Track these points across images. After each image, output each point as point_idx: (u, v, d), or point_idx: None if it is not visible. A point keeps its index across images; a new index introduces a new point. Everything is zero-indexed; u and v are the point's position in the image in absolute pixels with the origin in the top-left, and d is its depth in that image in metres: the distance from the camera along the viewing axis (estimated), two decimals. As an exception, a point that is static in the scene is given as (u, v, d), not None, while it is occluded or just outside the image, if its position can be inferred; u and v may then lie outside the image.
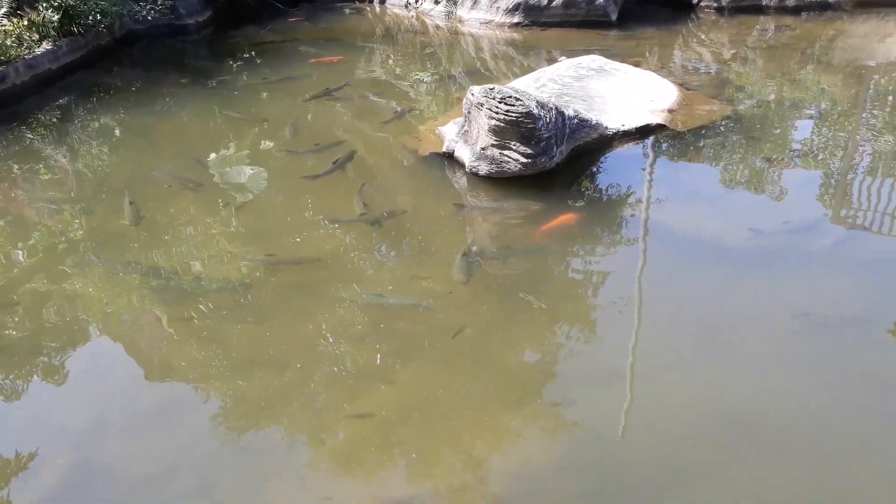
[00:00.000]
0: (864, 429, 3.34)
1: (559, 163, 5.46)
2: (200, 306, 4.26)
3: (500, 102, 5.05)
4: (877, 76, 7.88)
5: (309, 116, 7.05)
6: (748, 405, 3.46)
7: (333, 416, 3.54)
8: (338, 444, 3.40)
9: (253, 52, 9.03)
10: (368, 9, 11.26)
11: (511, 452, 3.31)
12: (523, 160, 5.20)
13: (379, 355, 3.84)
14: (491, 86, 5.18)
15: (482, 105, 5.16)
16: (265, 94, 7.61)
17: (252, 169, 5.87)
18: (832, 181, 5.64)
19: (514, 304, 4.20)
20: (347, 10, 11.20)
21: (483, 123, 5.22)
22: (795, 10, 9.97)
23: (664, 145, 6.04)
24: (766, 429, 3.34)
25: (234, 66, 8.60)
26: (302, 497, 3.16)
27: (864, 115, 6.85)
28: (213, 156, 6.15)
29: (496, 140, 5.21)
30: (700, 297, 4.27)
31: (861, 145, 6.20)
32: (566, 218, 4.97)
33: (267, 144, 6.37)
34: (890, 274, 4.53)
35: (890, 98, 7.33)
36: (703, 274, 4.50)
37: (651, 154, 5.96)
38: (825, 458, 3.18)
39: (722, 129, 6.31)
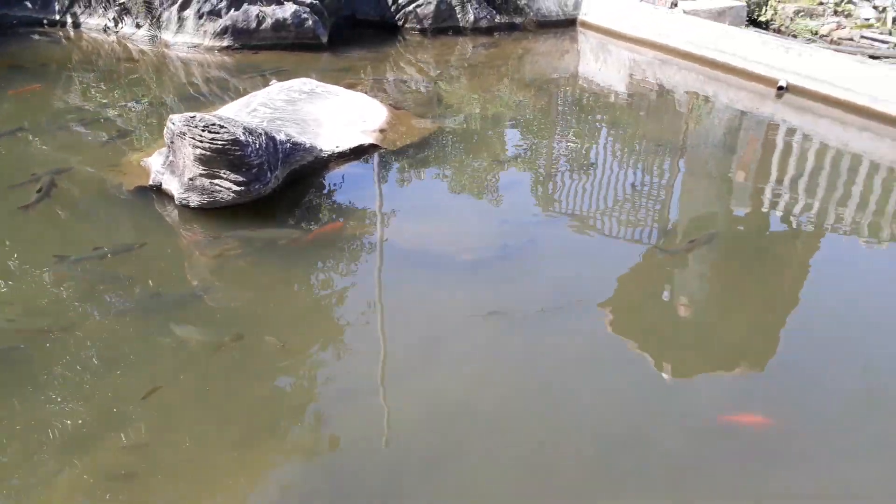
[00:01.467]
0: (560, 408, 3.75)
1: (276, 188, 5.44)
2: None
3: (203, 130, 4.90)
4: (561, 87, 8.94)
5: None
6: (472, 399, 3.72)
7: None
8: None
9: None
10: (62, 34, 10.29)
11: (274, 482, 3.22)
12: (236, 188, 5.10)
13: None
14: (192, 114, 5.01)
15: (184, 134, 4.96)
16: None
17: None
18: (539, 184, 6.27)
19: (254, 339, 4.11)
20: (36, 37, 10.14)
21: (188, 153, 5.03)
22: (489, 31, 10.96)
23: (381, 163, 6.29)
24: (494, 416, 3.61)
25: None
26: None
27: (557, 121, 7.72)
28: None
29: (204, 169, 5.05)
30: (425, 305, 4.48)
31: (557, 148, 6.99)
32: (334, 226, 5.11)
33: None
34: (587, 262, 5.09)
35: (576, 106, 8.36)
36: (428, 281, 4.71)
37: (372, 172, 6.17)
38: (539, 432, 3.52)
39: (433, 144, 6.72)
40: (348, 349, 4.12)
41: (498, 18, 11.11)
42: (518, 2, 11.17)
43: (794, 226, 5.55)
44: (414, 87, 8.58)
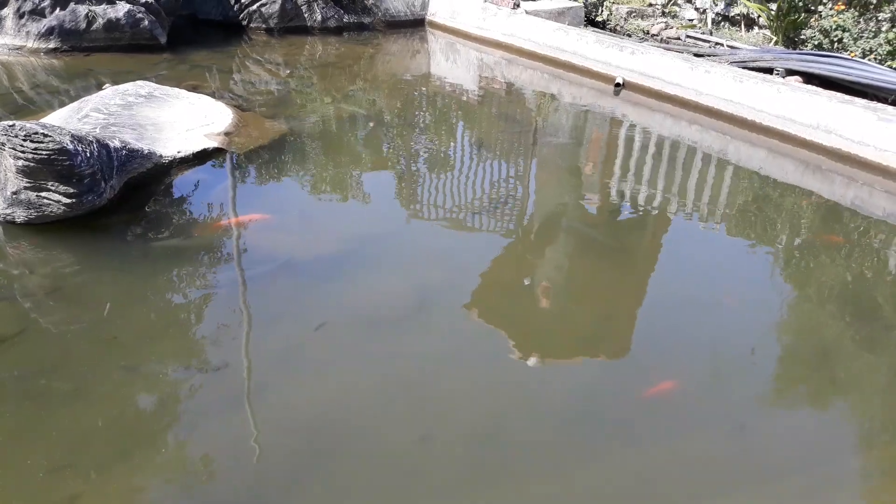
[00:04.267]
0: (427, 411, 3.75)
1: (112, 198, 5.08)
2: None
3: (24, 140, 4.49)
4: (414, 87, 8.98)
5: None
6: (338, 405, 3.63)
7: None
8: None
9: None
10: None
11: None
12: (66, 200, 4.71)
13: None
14: (11, 122, 4.58)
15: (3, 145, 4.53)
16: None
17: None
18: (401, 183, 6.24)
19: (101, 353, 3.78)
20: None
21: (9, 165, 4.60)
22: (338, 31, 10.84)
23: (230, 167, 6.04)
24: (360, 420, 3.54)
25: None
26: None
27: (413, 120, 7.74)
28: None
29: (29, 182, 4.63)
30: (288, 313, 4.34)
31: (415, 147, 7.00)
32: (253, 217, 5.14)
33: None
34: (449, 258, 5.12)
35: (430, 105, 8.42)
36: (292, 286, 4.56)
37: (217, 177, 5.91)
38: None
39: (286, 146, 6.54)
40: (207, 363, 3.91)
41: (346, 18, 11.02)
42: (366, 1, 11.13)
43: (641, 213, 5.88)
44: (263, 88, 8.33)
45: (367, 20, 11.14)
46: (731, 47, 9.45)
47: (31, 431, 3.36)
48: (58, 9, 9.03)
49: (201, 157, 5.96)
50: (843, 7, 8.65)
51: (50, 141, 4.55)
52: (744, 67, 8.32)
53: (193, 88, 7.54)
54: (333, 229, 5.42)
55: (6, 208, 4.71)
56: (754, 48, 9.23)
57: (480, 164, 6.68)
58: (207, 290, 4.51)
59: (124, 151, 5.27)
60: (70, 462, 3.22)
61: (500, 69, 9.85)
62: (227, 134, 6.32)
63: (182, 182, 5.72)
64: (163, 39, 9.40)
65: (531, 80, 9.52)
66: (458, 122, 7.99)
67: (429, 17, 11.59)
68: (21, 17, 8.98)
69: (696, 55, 8.94)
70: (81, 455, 3.26)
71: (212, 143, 6.08)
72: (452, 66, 10.14)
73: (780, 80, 7.83)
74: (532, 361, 4.09)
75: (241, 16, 10.58)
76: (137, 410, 3.59)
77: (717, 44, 9.70)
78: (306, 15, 10.74)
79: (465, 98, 8.72)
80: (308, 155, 6.49)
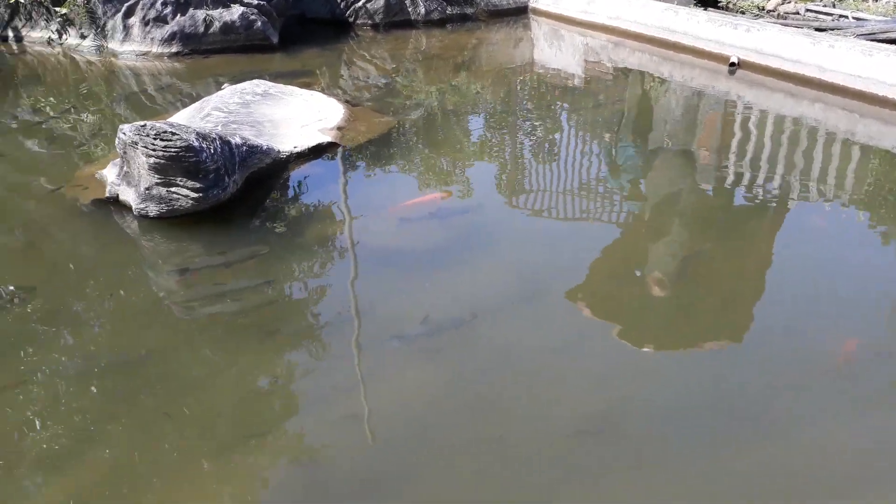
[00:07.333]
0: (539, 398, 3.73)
1: (235, 192, 5.34)
2: None
3: (154, 139, 4.78)
4: (519, 75, 8.94)
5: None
6: (451, 388, 3.68)
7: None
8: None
9: None
10: (3, 48, 10.00)
11: (259, 490, 3.16)
12: (194, 195, 4.99)
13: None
14: (143, 122, 4.89)
15: (136, 143, 4.84)
16: None
17: None
18: (506, 171, 6.25)
19: (235, 340, 4.02)
20: (-26, 52, 9.85)
21: (142, 162, 4.91)
22: (441, 23, 10.93)
23: (343, 161, 6.22)
24: (476, 406, 3.57)
25: None
26: None
27: (517, 109, 7.72)
28: None
29: (160, 178, 4.93)
30: (400, 302, 4.43)
31: (520, 136, 6.98)
32: (433, 196, 5.38)
33: None
34: (556, 248, 5.09)
35: (534, 92, 8.37)
36: (401, 275, 4.66)
37: (335, 171, 6.10)
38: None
39: (394, 139, 6.67)
40: (325, 350, 4.05)
41: (449, 10, 11.08)
42: (468, -8, 11.16)
43: (760, 199, 5.62)
44: (370, 83, 8.51)
45: (469, 10, 11.16)
46: (858, 19, 8.84)
47: (167, 407, 3.59)
48: (178, 15, 9.55)
49: (316, 151, 6.16)
50: None
51: (178, 139, 4.83)
52: (872, 40, 7.77)
53: (306, 85, 7.80)
54: (441, 219, 5.48)
55: (140, 203, 5.04)
56: (884, 18, 8.59)
57: (588, 151, 6.57)
58: (321, 278, 4.66)
59: (245, 148, 5.53)
60: (202, 436, 3.42)
61: (606, 53, 9.64)
62: (339, 128, 6.51)
63: (299, 176, 5.93)
64: (275, 39, 9.77)
65: (639, 62, 9.27)
66: (564, 108, 7.89)
67: (531, 4, 11.48)
68: (146, 24, 9.55)
69: (818, 30, 8.43)
70: (209, 433, 3.46)
71: (325, 138, 6.27)
72: (557, 52, 10.01)
73: (915, 51, 7.27)
74: (646, 351, 3.99)
75: (348, 13, 10.83)
76: (259, 393, 3.76)
77: (840, 16, 9.11)
78: (410, 9, 10.88)
79: (570, 83, 8.60)
80: (415, 146, 6.59)
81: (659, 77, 8.76)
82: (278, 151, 5.91)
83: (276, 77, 7.98)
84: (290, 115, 6.57)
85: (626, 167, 6.31)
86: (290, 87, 7.24)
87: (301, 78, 8.40)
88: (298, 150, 6.06)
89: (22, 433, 3.41)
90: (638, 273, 4.81)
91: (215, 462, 3.31)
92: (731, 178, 6.00)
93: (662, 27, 9.46)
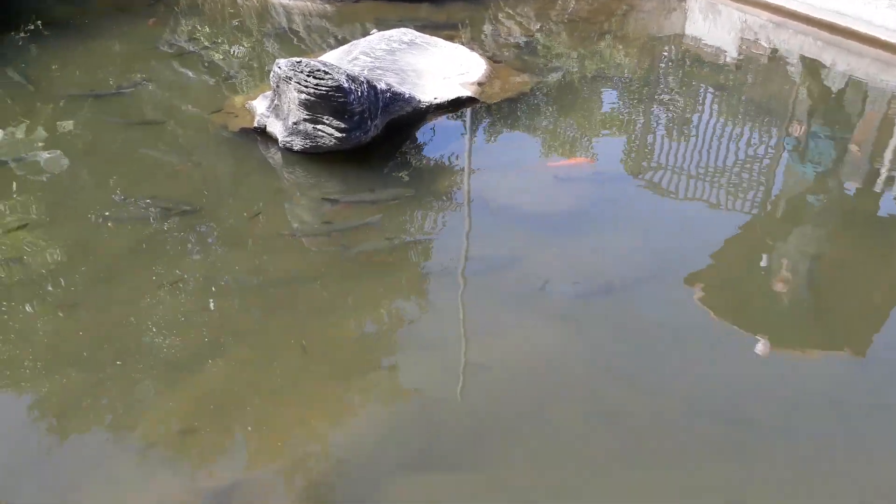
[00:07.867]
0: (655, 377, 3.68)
1: (375, 137, 5.47)
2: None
3: (308, 76, 4.95)
4: (666, 47, 8.60)
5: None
6: (557, 360, 3.69)
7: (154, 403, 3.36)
8: (161, 433, 3.24)
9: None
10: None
11: (350, 422, 3.32)
12: (338, 135, 5.15)
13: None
14: (298, 59, 5.06)
15: (290, 79, 5.03)
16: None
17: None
18: (635, 145, 6.09)
19: (344, 278, 4.19)
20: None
21: (293, 97, 5.10)
22: (593, -14, 10.60)
23: (478, 116, 6.23)
24: (578, 378, 3.58)
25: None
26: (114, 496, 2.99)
27: (658, 82, 7.46)
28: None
29: (308, 114, 5.12)
30: (512, 260, 4.45)
31: (657, 110, 6.76)
32: (580, 160, 5.45)
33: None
34: (679, 231, 4.95)
35: (680, 67, 8.04)
36: (517, 237, 4.67)
37: (466, 125, 6.14)
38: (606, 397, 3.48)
39: (531, 99, 6.60)
40: (431, 303, 4.15)
41: (602, -27, 10.71)
42: (625, -44, 10.73)
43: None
44: (512, 41, 8.42)
45: (623, -25, 10.76)
46: None
47: (293, 332, 3.80)
48: (335, -43, 9.74)
49: (455, 104, 6.20)
50: None
51: (329, 78, 4.98)
52: None
53: (449, 38, 7.80)
54: (568, 187, 5.41)
55: (287, 136, 5.26)
56: None
57: (726, 135, 6.27)
58: (435, 235, 4.76)
59: (388, 94, 5.63)
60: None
61: (765, 33, 9.08)
62: (479, 84, 6.50)
63: (437, 126, 6.00)
64: (423, -11, 9.80)
65: (801, 46, 8.68)
66: (710, 87, 7.53)
67: (689, -26, 10.92)
68: (303, -36, 9.80)
69: None
70: (328, 361, 3.64)
71: (466, 92, 6.29)
72: (711, 27, 9.52)
73: None
74: (759, 347, 3.83)
75: (498, -32, 10.69)
76: (364, 337, 3.89)
77: None
78: (561, -32, 10.60)
79: (720, 61, 8.18)
80: (551, 111, 6.50)
81: (820, 63, 8.19)
82: (419, 101, 5.98)
83: (422, 28, 8.02)
84: (433, 66, 6.61)
85: (814, 157, 5.95)
86: (434, 39, 7.27)
87: (445, 30, 8.41)
88: (438, 101, 6.11)
89: (167, 329, 3.72)
90: (763, 265, 4.59)
91: (332, 389, 3.49)
92: (882, 179, 5.58)
93: (832, 10, 8.79)
